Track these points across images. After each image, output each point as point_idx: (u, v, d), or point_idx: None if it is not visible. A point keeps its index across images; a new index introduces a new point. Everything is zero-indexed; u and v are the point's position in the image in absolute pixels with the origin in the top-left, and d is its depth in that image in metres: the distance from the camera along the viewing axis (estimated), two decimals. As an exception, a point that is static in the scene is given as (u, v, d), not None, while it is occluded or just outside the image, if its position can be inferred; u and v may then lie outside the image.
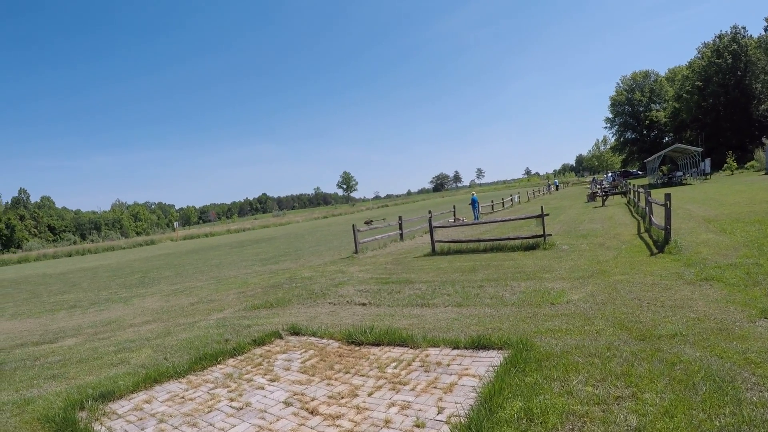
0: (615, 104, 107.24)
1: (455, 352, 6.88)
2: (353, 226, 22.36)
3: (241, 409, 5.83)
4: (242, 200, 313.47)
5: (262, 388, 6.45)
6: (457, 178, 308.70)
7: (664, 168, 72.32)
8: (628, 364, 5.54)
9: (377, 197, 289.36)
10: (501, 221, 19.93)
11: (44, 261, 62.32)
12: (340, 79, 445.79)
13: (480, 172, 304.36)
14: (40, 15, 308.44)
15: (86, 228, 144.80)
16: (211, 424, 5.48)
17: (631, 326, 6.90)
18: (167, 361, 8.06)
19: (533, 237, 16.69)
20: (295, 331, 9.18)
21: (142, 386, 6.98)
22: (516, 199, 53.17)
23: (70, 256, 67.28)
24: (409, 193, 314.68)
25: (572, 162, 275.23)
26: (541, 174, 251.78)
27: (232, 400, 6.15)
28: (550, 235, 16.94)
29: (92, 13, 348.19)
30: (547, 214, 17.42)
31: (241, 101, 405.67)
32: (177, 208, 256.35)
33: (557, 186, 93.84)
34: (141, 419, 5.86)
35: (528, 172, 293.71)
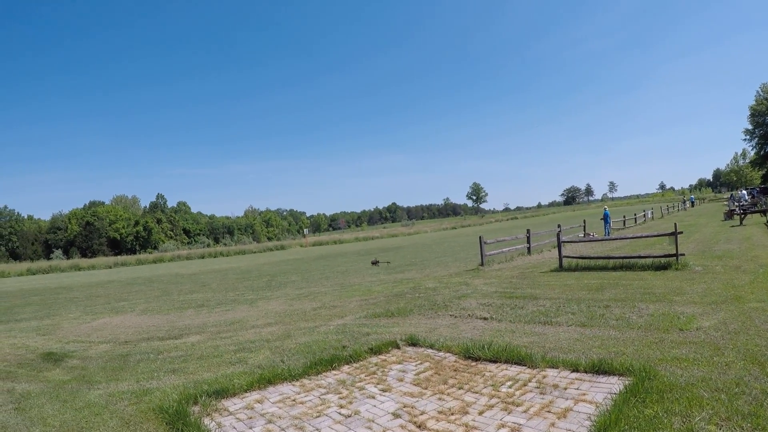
0: (755, 114, 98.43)
1: (574, 375, 6.65)
2: (480, 238, 22.19)
3: (349, 416, 5.91)
4: (372, 209, 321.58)
5: (373, 398, 6.50)
6: (588, 191, 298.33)
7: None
8: (758, 403, 5.08)
9: (507, 209, 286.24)
10: (632, 238, 19.38)
11: (178, 262, 67.21)
12: (473, 93, 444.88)
13: (612, 186, 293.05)
14: (177, 23, 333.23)
15: (219, 232, 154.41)
16: (317, 429, 5.59)
17: (764, 360, 6.36)
18: (283, 364, 8.36)
19: (665, 256, 16.13)
20: (413, 342, 9.21)
21: (256, 386, 7.29)
22: (649, 215, 52.05)
23: (202, 258, 72.04)
24: (539, 206, 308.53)
25: (709, 177, 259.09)
26: (676, 189, 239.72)
27: (341, 407, 6.25)
28: (683, 254, 16.22)
29: (226, 28, 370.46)
30: (681, 232, 16.72)
31: (374, 113, 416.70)
32: (308, 215, 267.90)
33: (693, 202, 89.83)
34: (251, 418, 6.11)
35: (662, 187, 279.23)
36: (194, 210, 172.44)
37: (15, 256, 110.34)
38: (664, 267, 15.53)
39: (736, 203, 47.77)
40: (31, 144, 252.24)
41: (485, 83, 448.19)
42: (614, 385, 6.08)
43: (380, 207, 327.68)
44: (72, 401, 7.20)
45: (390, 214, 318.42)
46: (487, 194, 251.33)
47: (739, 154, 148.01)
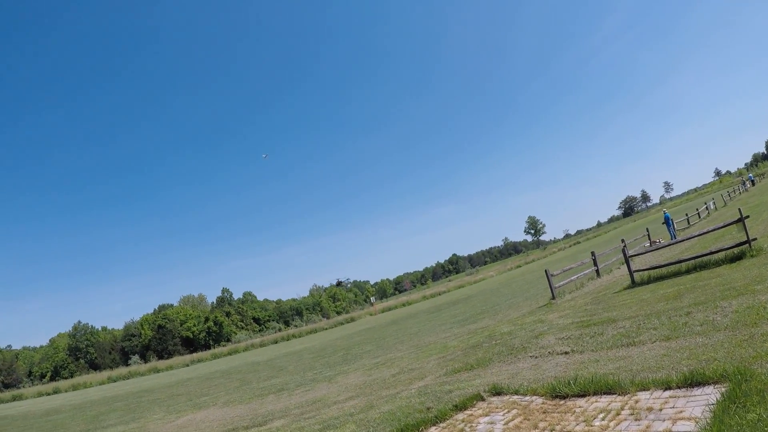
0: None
1: (667, 393, 6.42)
2: (546, 271, 21.81)
3: (444, 476, 5.84)
4: (434, 264, 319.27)
5: (466, 454, 6.40)
6: (645, 197, 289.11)
7: None
8: None
9: (567, 235, 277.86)
10: (699, 235, 18.99)
11: (252, 350, 67.87)
12: (502, 126, 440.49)
13: (668, 186, 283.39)
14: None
15: (288, 315, 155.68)
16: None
17: None
18: (370, 435, 8.32)
19: (737, 245, 15.64)
20: (497, 391, 9.06)
21: (346, 461, 7.26)
22: (712, 206, 51.07)
23: (275, 342, 72.56)
24: (599, 225, 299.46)
25: (762, 149, 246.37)
26: (732, 171, 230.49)
27: (435, 468, 6.18)
28: (755, 239, 15.71)
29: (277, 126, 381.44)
30: (747, 216, 16.29)
31: (419, 166, 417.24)
32: (372, 283, 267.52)
33: (753, 180, 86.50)
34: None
35: (718, 173, 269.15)
36: (260, 297, 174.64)
37: (95, 366, 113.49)
38: (738, 257, 15.09)
39: None
40: (97, 253, 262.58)
41: (511, 113, 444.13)
42: (710, 395, 5.86)
43: (441, 261, 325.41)
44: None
45: (452, 266, 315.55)
46: (544, 225, 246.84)
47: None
